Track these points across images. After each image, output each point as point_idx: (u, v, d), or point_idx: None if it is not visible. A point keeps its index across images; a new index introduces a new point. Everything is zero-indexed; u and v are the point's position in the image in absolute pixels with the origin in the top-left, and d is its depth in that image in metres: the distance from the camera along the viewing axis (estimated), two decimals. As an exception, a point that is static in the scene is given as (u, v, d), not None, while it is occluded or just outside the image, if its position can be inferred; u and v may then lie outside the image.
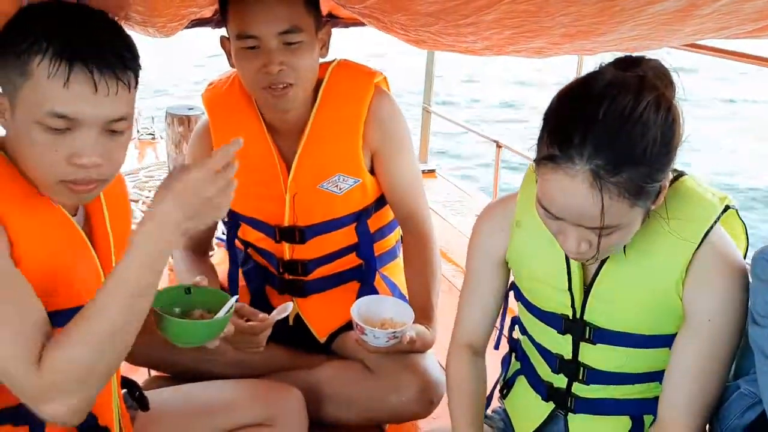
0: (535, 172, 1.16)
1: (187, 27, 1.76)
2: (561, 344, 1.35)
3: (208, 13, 1.78)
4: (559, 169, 1.10)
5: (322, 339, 1.94)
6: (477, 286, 1.44)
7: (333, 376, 1.85)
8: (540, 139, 1.15)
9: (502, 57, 1.83)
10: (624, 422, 1.35)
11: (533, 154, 1.17)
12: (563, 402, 1.38)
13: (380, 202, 1.94)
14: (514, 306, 1.45)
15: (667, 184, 1.16)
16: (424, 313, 1.79)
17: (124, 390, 1.46)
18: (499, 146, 3.75)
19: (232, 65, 1.75)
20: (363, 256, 1.92)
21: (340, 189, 1.84)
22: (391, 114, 1.84)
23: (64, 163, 1.12)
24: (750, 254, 1.23)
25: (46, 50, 1.08)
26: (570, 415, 1.39)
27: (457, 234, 3.35)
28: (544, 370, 1.41)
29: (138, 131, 4.49)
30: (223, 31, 1.77)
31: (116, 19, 1.20)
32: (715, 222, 1.21)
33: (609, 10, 1.21)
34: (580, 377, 1.35)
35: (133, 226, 1.15)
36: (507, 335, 1.53)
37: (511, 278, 1.44)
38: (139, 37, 1.22)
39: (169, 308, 1.35)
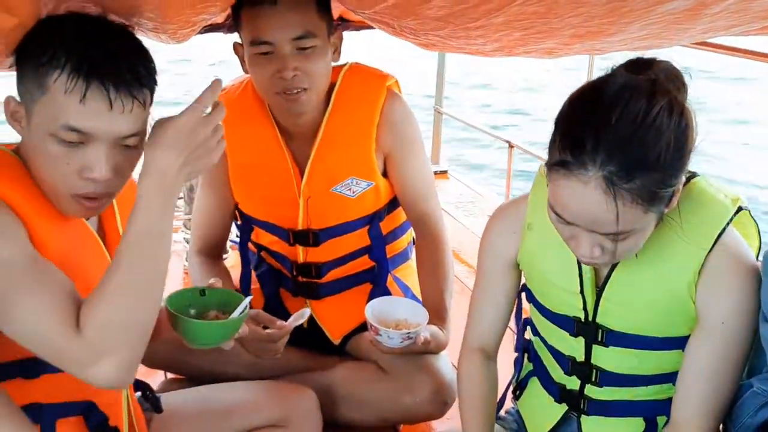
0: (547, 177, 1.16)
1: (199, 33, 1.78)
2: (573, 346, 1.35)
3: (220, 18, 1.80)
4: (572, 175, 1.09)
5: (336, 341, 1.95)
6: (488, 288, 1.44)
7: (347, 378, 1.86)
8: (551, 143, 1.14)
9: (512, 59, 1.84)
10: (637, 424, 1.35)
11: (545, 154, 1.17)
12: (576, 404, 1.38)
13: (393, 204, 1.94)
14: (527, 307, 1.45)
15: (681, 188, 1.15)
16: (437, 314, 1.79)
17: (139, 393, 1.48)
18: (511, 146, 3.74)
19: (245, 71, 1.77)
20: (375, 258, 1.93)
21: (353, 192, 1.85)
22: (403, 117, 1.85)
23: (75, 176, 1.14)
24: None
25: (64, 66, 1.09)
26: (583, 417, 1.38)
27: (470, 235, 3.35)
28: (556, 372, 1.41)
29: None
30: (235, 37, 1.79)
31: (129, 27, 1.22)
32: (728, 224, 1.20)
33: (618, 10, 1.21)
34: (593, 379, 1.34)
35: None
36: (518, 336, 1.53)
37: (523, 280, 1.44)
38: (153, 46, 1.24)
39: (184, 310, 1.36)
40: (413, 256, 2.02)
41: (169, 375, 2.02)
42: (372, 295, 1.90)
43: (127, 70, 1.12)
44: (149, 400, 1.48)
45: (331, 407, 1.81)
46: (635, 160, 1.06)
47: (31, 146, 1.16)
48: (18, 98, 1.16)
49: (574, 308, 1.32)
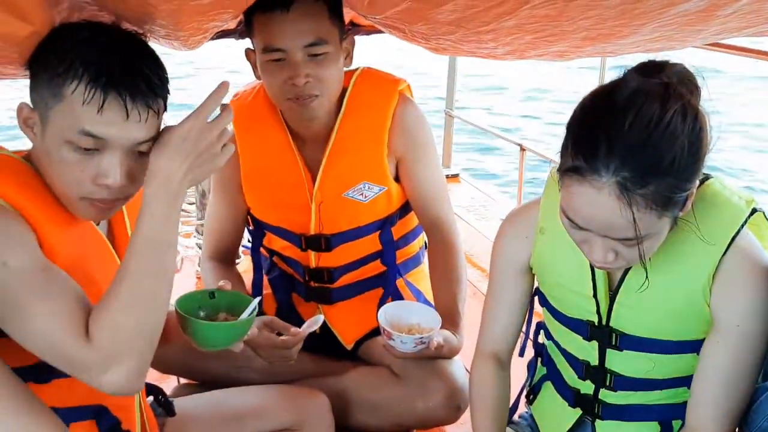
0: (559, 182, 1.16)
1: (210, 39, 1.78)
2: (587, 350, 1.34)
3: (231, 24, 1.80)
4: (585, 181, 1.08)
5: (349, 346, 1.95)
6: (501, 293, 1.44)
7: (360, 382, 1.86)
8: (563, 148, 1.14)
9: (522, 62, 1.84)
10: (652, 428, 1.34)
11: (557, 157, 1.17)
12: (590, 408, 1.38)
13: (405, 209, 1.94)
14: (540, 311, 1.45)
15: (695, 191, 1.14)
16: (450, 319, 1.79)
17: (151, 397, 1.48)
18: (522, 149, 3.73)
19: (257, 77, 1.77)
20: (387, 263, 1.93)
21: (365, 197, 1.85)
22: (415, 121, 1.85)
23: (89, 183, 1.15)
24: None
25: (81, 76, 1.10)
26: (598, 422, 1.38)
27: (482, 239, 3.34)
28: (570, 376, 1.40)
29: None
30: (246, 43, 1.80)
31: (140, 33, 1.23)
32: (742, 225, 1.19)
33: (630, 12, 1.21)
34: (607, 383, 1.34)
35: None
36: (532, 340, 1.53)
37: (536, 284, 1.44)
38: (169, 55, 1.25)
39: (194, 312, 1.37)
40: (425, 260, 2.02)
41: (182, 380, 2.03)
42: (380, 301, 1.90)
43: (143, 81, 1.13)
44: (162, 404, 1.48)
45: (343, 412, 1.81)
46: (649, 165, 1.06)
47: (44, 152, 1.17)
48: (31, 105, 1.18)
49: (587, 312, 1.31)
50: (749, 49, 2.31)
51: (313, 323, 1.62)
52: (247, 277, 2.02)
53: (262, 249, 2.01)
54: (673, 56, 1.17)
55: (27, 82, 1.20)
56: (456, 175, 4.27)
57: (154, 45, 1.26)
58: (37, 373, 1.18)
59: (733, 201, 1.22)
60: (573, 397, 1.40)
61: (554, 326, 1.40)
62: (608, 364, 1.33)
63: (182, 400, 1.58)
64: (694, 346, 1.26)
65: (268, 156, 1.84)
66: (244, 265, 2.69)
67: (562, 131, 1.16)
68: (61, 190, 1.17)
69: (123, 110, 1.11)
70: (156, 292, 1.13)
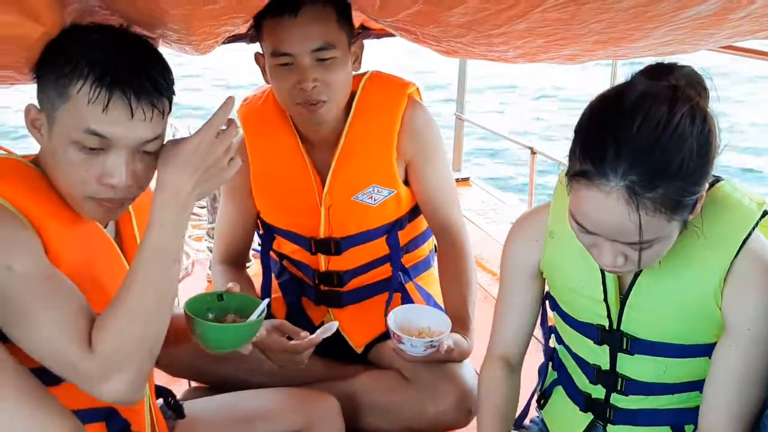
0: (567, 186, 1.15)
1: (221, 43, 1.79)
2: (598, 355, 1.34)
3: (243, 29, 1.81)
4: (593, 185, 1.08)
5: (359, 349, 1.94)
6: (511, 297, 1.43)
7: (370, 386, 1.86)
8: (571, 153, 1.13)
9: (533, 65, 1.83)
10: (665, 433, 1.33)
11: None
12: (602, 413, 1.37)
13: (414, 212, 1.94)
14: (551, 315, 1.44)
15: (705, 194, 1.13)
16: (460, 322, 1.78)
17: (160, 400, 1.49)
18: (533, 153, 3.73)
19: (266, 80, 1.78)
20: (395, 266, 1.93)
21: (374, 200, 1.85)
22: (424, 124, 1.85)
23: (94, 182, 1.16)
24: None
25: (87, 76, 1.11)
26: (609, 426, 1.37)
27: (493, 242, 3.33)
28: (581, 380, 1.40)
29: None
30: (257, 47, 1.80)
31: (152, 38, 1.23)
32: (754, 228, 1.19)
33: (642, 15, 1.20)
34: (619, 388, 1.33)
35: None
36: (543, 344, 1.52)
37: (547, 288, 1.43)
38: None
39: (202, 314, 1.37)
40: (435, 263, 2.02)
41: (193, 383, 2.03)
42: (386, 305, 1.89)
43: (148, 81, 1.14)
44: (171, 407, 1.49)
45: (354, 415, 1.81)
46: (657, 168, 1.05)
47: (50, 153, 1.18)
48: (38, 107, 1.19)
49: (598, 316, 1.31)
50: (761, 52, 2.29)
51: (327, 329, 1.62)
52: (258, 281, 2.03)
53: (271, 253, 2.01)
54: (683, 58, 1.17)
55: (35, 86, 1.21)
56: (467, 179, 4.27)
57: (165, 49, 1.27)
58: (45, 376, 1.19)
59: (744, 203, 1.21)
60: (584, 402, 1.39)
61: (565, 330, 1.40)
62: (619, 369, 1.32)
63: (192, 403, 1.58)
64: (705, 350, 1.25)
65: (278, 160, 1.85)
66: (255, 268, 2.68)
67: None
68: (67, 190, 1.18)
69: (128, 109, 1.12)
70: (160, 302, 1.15)
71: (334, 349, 1.94)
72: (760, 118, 10.20)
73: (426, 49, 1.77)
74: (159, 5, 1.18)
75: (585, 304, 1.32)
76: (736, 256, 1.18)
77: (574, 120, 1.16)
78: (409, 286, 1.95)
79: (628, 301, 1.27)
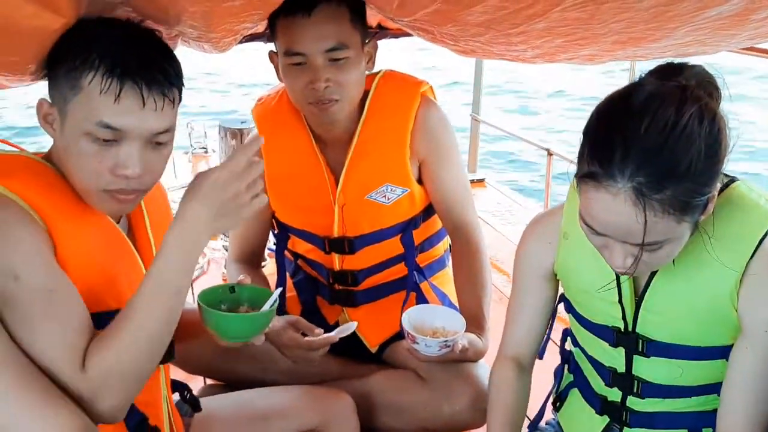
0: (576, 188, 1.15)
1: (239, 42, 1.80)
2: (614, 357, 1.33)
3: (261, 27, 1.81)
4: (601, 187, 1.08)
5: (374, 349, 1.94)
6: (524, 298, 1.43)
7: (385, 385, 1.86)
8: (580, 155, 1.13)
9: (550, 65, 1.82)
10: (682, 436, 1.32)
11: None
12: (618, 416, 1.36)
13: (428, 211, 1.94)
14: (566, 317, 1.44)
15: (716, 194, 1.12)
16: (475, 322, 1.78)
17: (176, 394, 1.49)
18: (550, 154, 3.71)
19: (280, 79, 1.78)
20: (409, 265, 1.93)
21: (388, 199, 1.85)
22: (438, 123, 1.85)
23: (107, 174, 1.17)
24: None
25: (98, 67, 1.13)
26: (626, 429, 1.36)
27: (508, 243, 3.33)
28: (597, 383, 1.39)
29: (191, 145, 4.59)
30: (273, 45, 1.80)
31: (169, 34, 1.24)
32: None
33: (663, 15, 1.20)
34: (635, 390, 1.32)
35: None
36: (559, 346, 1.51)
37: (561, 290, 1.43)
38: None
39: (216, 307, 1.37)
40: (450, 263, 2.02)
41: (209, 381, 2.04)
42: (402, 304, 1.89)
43: (158, 71, 1.16)
44: (187, 401, 1.49)
45: (368, 415, 1.81)
46: (665, 169, 1.04)
47: (63, 148, 1.19)
48: (50, 101, 1.20)
49: (613, 318, 1.30)
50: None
51: (345, 329, 1.62)
52: (273, 280, 2.03)
53: (286, 252, 2.02)
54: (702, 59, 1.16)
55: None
56: (482, 180, 4.26)
57: (183, 48, 1.28)
58: None
59: (760, 204, 1.20)
60: (600, 405, 1.38)
61: (580, 333, 1.39)
62: (635, 371, 1.31)
63: (208, 400, 1.59)
64: (722, 352, 1.24)
65: (292, 159, 1.85)
66: (270, 268, 2.69)
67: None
68: (80, 184, 1.19)
69: (139, 99, 1.13)
70: (158, 337, 1.16)
71: (349, 348, 1.94)
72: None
73: (443, 48, 1.77)
74: (179, 2, 1.19)
75: (600, 306, 1.32)
76: (752, 257, 1.17)
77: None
78: (424, 285, 1.94)
79: (643, 302, 1.26)
